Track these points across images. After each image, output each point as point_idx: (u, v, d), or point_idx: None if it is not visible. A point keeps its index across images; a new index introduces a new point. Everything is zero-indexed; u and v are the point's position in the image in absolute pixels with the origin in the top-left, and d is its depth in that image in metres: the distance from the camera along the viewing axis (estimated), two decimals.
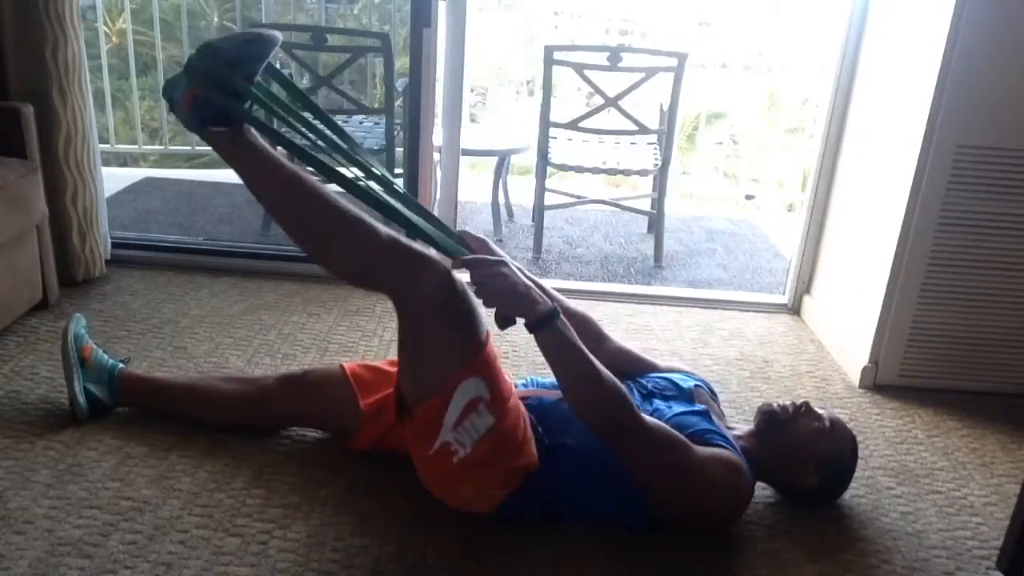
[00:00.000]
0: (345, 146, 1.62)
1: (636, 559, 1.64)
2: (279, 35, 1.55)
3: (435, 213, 3.06)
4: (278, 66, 3.64)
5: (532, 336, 1.56)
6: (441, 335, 1.56)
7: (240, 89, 1.51)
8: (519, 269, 1.62)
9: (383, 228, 1.56)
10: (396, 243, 1.56)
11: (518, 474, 1.64)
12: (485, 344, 1.60)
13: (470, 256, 1.59)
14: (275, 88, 1.81)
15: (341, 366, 1.90)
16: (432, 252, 1.58)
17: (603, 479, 1.65)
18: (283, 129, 1.64)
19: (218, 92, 1.50)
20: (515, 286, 1.54)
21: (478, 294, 1.55)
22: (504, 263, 1.57)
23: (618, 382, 1.58)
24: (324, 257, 1.63)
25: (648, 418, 1.61)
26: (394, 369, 1.87)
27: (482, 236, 1.72)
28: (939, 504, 1.92)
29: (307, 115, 1.63)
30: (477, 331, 1.59)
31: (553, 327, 1.54)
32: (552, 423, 1.70)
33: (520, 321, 1.56)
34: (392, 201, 1.59)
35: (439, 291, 1.54)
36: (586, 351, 1.55)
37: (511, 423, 1.61)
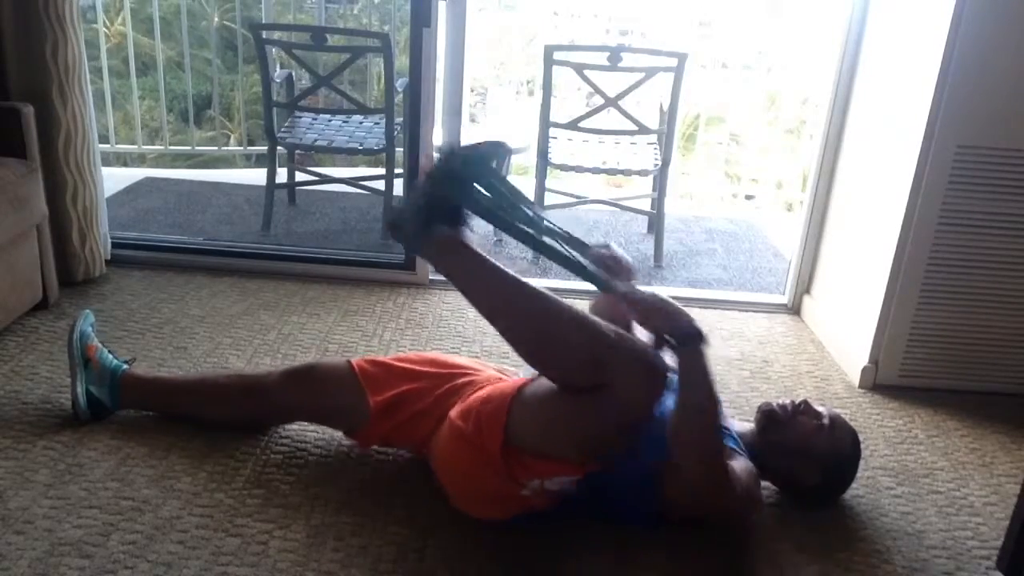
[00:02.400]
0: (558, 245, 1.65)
1: (636, 559, 1.64)
2: (510, 147, 1.68)
3: None
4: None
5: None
6: (615, 433, 1.56)
7: (482, 185, 1.60)
8: None
9: (608, 326, 1.58)
10: (622, 339, 1.57)
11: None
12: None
13: (629, 289, 1.63)
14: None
15: (348, 361, 1.89)
16: (660, 360, 1.58)
17: (622, 483, 1.64)
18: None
19: (458, 188, 1.59)
20: (671, 304, 1.60)
21: (639, 310, 1.60)
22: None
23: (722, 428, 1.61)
24: (556, 365, 1.61)
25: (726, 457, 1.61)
26: (402, 365, 1.87)
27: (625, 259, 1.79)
28: (939, 504, 1.92)
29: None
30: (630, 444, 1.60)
31: (700, 349, 1.56)
32: None
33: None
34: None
35: (647, 397, 1.55)
36: (716, 387, 1.56)
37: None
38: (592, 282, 1.65)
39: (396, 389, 1.81)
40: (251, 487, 1.76)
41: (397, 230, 1.70)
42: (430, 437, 1.76)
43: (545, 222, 1.65)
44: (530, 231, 1.62)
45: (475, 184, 1.61)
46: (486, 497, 1.66)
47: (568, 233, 1.66)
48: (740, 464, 1.66)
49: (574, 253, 1.65)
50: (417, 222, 1.61)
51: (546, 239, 1.63)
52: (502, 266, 1.64)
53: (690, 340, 1.56)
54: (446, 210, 1.61)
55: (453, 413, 1.71)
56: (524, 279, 1.64)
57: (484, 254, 1.64)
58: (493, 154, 1.68)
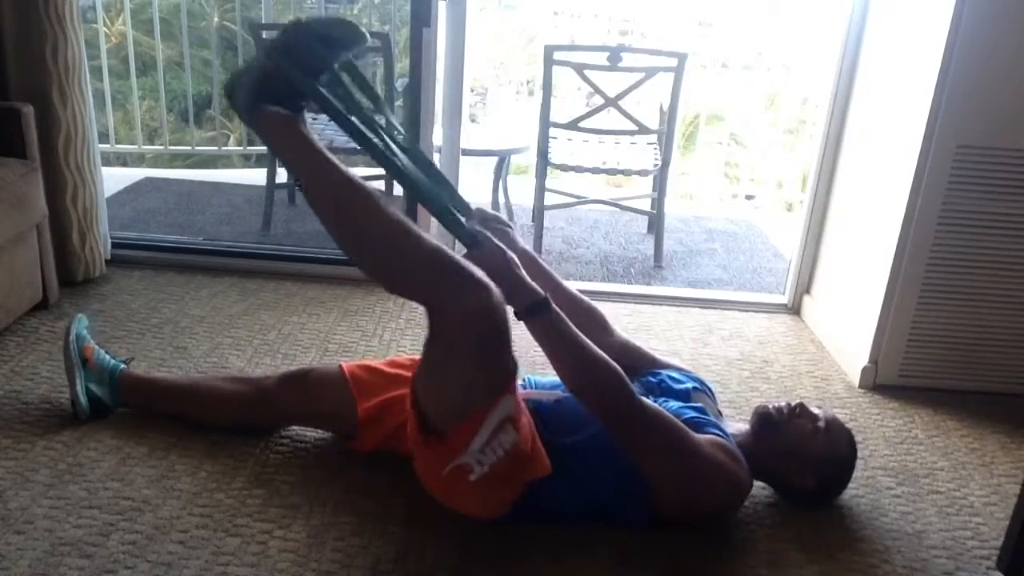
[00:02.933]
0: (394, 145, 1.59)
1: (636, 559, 1.64)
2: (368, 36, 1.56)
3: None
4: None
5: (528, 331, 1.58)
6: (481, 360, 1.47)
7: (318, 68, 1.51)
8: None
9: (431, 239, 1.50)
10: (442, 254, 1.47)
11: (527, 484, 1.62)
12: (517, 365, 1.54)
13: (474, 231, 1.58)
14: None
15: (340, 366, 1.89)
16: (482, 274, 1.48)
17: (604, 472, 1.65)
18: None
19: (295, 67, 1.49)
20: (512, 271, 1.55)
21: (484, 271, 1.49)
22: (504, 249, 1.58)
23: (614, 364, 1.59)
24: (364, 260, 1.55)
25: (646, 400, 1.63)
26: (394, 371, 1.87)
27: (503, 220, 1.77)
28: (939, 504, 1.92)
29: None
30: (512, 355, 1.51)
31: (543, 316, 1.56)
32: (552, 425, 1.70)
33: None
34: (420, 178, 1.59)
35: (484, 314, 1.44)
36: (580, 336, 1.57)
37: (525, 435, 1.58)
38: (446, 218, 1.55)
39: (383, 396, 1.81)
40: (251, 487, 1.76)
41: (230, 99, 1.57)
42: None
43: (400, 136, 1.55)
44: (376, 141, 1.51)
45: (321, 67, 1.50)
46: (453, 495, 1.62)
47: (431, 162, 1.58)
48: (710, 437, 1.66)
49: (431, 184, 1.57)
50: (247, 95, 1.51)
51: (397, 158, 1.52)
52: (335, 160, 1.52)
53: (528, 312, 1.56)
54: (281, 89, 1.50)
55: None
56: (357, 178, 1.50)
57: (314, 140, 1.53)
58: (347, 39, 1.52)
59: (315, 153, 1.53)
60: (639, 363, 1.96)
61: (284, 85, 1.52)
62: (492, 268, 1.51)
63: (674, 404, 1.78)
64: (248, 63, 1.57)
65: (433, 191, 1.61)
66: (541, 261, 1.92)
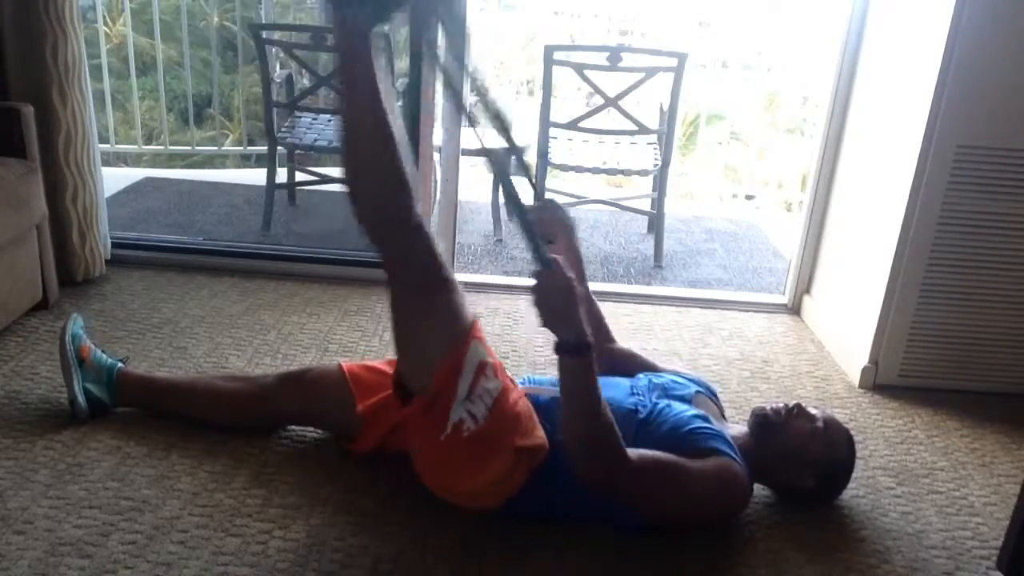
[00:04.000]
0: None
1: (636, 559, 1.64)
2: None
3: (434, 213, 3.08)
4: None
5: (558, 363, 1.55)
6: (442, 299, 1.57)
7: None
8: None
9: (418, 207, 1.55)
10: (420, 220, 1.55)
11: (526, 459, 1.62)
12: (474, 316, 1.63)
13: (551, 256, 1.54)
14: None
15: (339, 366, 1.90)
16: (422, 220, 1.55)
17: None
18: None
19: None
20: (572, 303, 1.50)
21: (536, 292, 1.50)
22: (573, 281, 1.53)
23: (617, 431, 1.55)
24: (358, 187, 1.56)
25: (643, 456, 1.58)
26: (393, 369, 1.87)
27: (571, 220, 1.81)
28: (939, 504, 1.92)
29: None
30: (464, 305, 1.61)
31: (580, 358, 1.51)
32: (551, 418, 1.70)
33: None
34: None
35: (429, 260, 1.56)
36: (599, 390, 1.53)
37: (514, 394, 1.64)
38: (530, 232, 1.52)
39: (382, 393, 1.82)
40: (251, 487, 1.76)
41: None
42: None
43: (496, 104, 1.53)
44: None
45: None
46: (451, 469, 1.63)
47: (520, 149, 1.55)
48: (710, 466, 1.63)
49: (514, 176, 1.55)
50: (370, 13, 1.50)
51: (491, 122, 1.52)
52: (386, 106, 1.52)
53: (567, 349, 1.51)
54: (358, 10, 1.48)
55: None
56: (391, 122, 1.52)
57: (378, 79, 1.51)
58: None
59: (375, 88, 1.52)
60: (641, 370, 1.98)
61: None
62: (554, 293, 1.49)
63: (680, 407, 1.77)
64: None
65: (522, 203, 1.57)
66: (583, 269, 1.90)
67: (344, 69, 1.54)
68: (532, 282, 1.51)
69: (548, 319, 1.51)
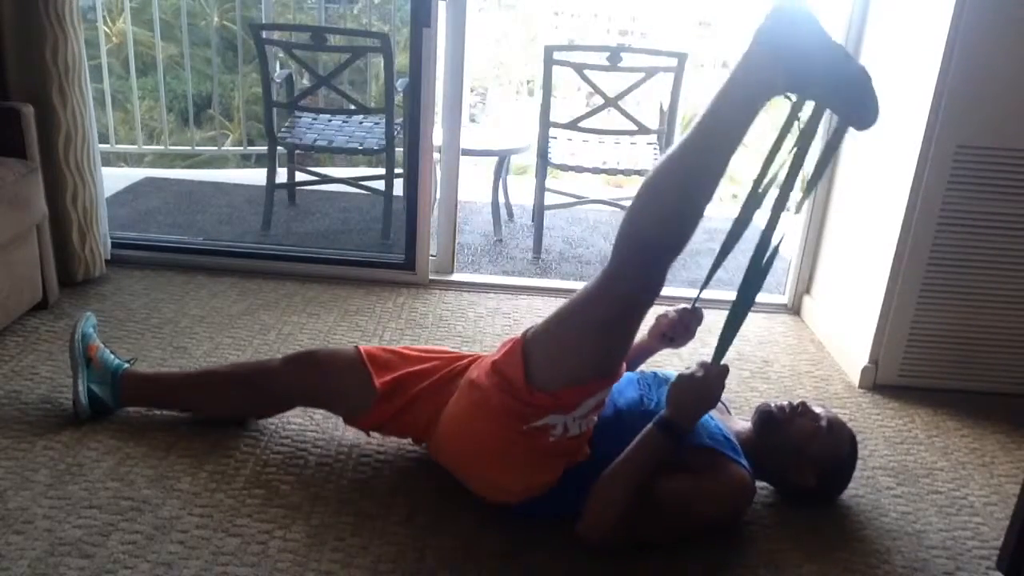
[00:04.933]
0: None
1: (636, 559, 1.64)
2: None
3: (435, 213, 3.08)
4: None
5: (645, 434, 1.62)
6: (632, 329, 1.62)
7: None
8: None
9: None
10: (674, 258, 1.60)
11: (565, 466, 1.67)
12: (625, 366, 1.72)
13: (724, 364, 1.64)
14: None
15: (356, 347, 1.87)
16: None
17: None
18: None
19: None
20: (709, 403, 1.62)
21: (695, 380, 1.61)
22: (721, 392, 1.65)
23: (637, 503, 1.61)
24: (678, 214, 1.58)
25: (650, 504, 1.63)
26: (414, 353, 1.88)
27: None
28: (939, 504, 1.92)
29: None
30: (627, 352, 1.70)
31: (671, 442, 1.60)
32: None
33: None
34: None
35: (655, 295, 1.58)
36: (646, 476, 1.60)
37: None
38: (730, 333, 1.64)
39: (402, 370, 1.82)
40: (251, 487, 1.76)
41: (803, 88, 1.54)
42: (432, 421, 1.75)
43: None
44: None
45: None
46: (505, 460, 1.64)
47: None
48: (714, 486, 1.66)
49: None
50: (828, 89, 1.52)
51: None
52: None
53: (671, 431, 1.60)
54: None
55: (469, 376, 1.74)
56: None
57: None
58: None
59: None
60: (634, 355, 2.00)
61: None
62: (708, 389, 1.61)
63: None
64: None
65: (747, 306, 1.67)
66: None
67: (745, 87, 1.53)
68: (697, 371, 1.61)
69: (684, 403, 1.61)
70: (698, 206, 1.56)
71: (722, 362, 1.63)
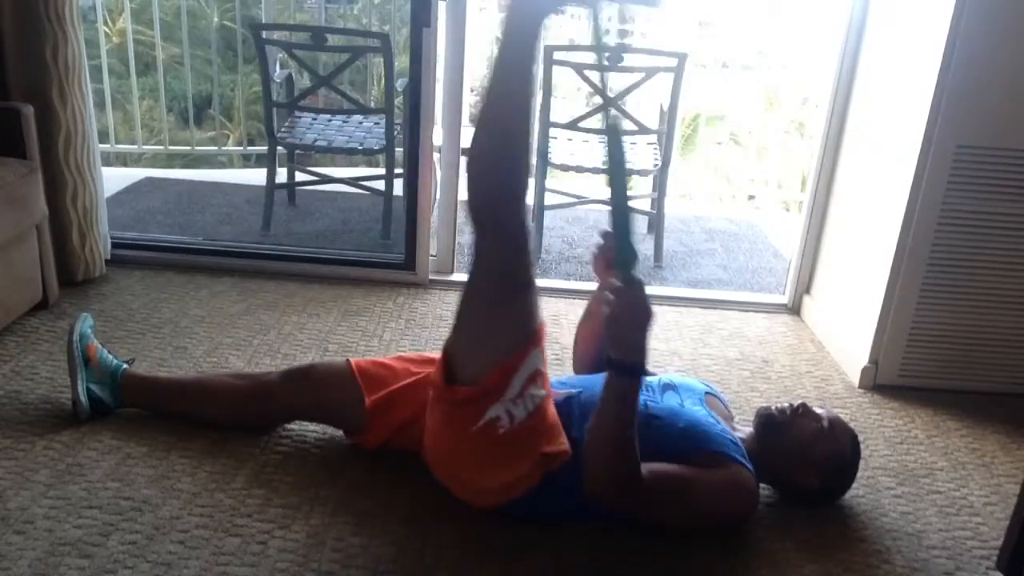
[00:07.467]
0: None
1: (636, 559, 1.64)
2: None
3: (435, 213, 3.08)
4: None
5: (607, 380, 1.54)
6: (521, 297, 1.59)
7: None
8: None
9: (525, 201, 1.58)
10: (525, 216, 1.57)
11: (545, 463, 1.62)
12: (543, 323, 1.64)
13: (639, 280, 1.52)
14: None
15: (348, 361, 1.89)
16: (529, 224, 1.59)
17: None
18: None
19: None
20: (644, 327, 1.48)
21: (614, 305, 1.47)
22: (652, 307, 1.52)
23: (637, 452, 1.54)
24: (484, 162, 1.58)
25: (647, 473, 1.56)
26: (402, 365, 1.87)
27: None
28: (939, 504, 1.92)
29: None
30: (538, 311, 1.63)
31: (630, 381, 1.50)
32: (563, 419, 1.69)
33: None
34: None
35: (521, 255, 1.56)
36: (634, 418, 1.53)
37: (551, 404, 1.65)
38: (627, 248, 1.52)
39: (391, 387, 1.82)
40: (251, 487, 1.76)
41: None
42: (423, 435, 1.75)
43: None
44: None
45: None
46: (472, 463, 1.64)
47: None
48: (722, 482, 1.64)
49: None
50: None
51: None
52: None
53: (623, 369, 1.49)
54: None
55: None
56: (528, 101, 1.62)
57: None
58: None
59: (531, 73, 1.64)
60: None
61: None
62: (632, 312, 1.47)
63: (692, 407, 1.77)
64: None
65: (631, 219, 1.57)
66: None
67: (512, 45, 1.61)
68: (610, 295, 1.49)
69: (617, 335, 1.49)
70: (516, 140, 1.57)
71: (632, 273, 1.50)
